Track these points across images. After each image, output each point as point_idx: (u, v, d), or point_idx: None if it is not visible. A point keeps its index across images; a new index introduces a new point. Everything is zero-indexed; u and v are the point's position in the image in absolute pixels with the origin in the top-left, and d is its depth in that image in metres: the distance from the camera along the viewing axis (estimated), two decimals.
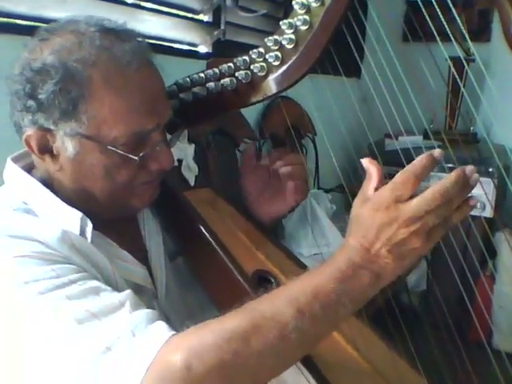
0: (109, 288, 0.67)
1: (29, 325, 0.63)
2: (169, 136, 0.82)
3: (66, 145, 0.72)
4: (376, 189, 0.63)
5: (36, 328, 0.63)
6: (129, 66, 0.71)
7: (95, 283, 0.67)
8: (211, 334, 0.59)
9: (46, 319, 0.62)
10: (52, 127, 0.72)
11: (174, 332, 0.61)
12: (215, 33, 1.96)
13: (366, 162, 0.66)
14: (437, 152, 0.61)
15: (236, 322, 0.60)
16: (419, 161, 0.61)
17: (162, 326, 0.62)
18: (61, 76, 0.69)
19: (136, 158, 0.74)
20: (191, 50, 1.92)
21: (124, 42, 0.72)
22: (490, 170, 2.19)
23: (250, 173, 0.98)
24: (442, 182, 0.60)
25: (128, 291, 0.67)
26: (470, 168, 0.61)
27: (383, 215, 0.61)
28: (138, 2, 1.67)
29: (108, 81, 0.70)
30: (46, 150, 0.74)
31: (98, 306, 0.63)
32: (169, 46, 1.80)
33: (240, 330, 0.59)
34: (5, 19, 1.23)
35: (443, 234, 0.63)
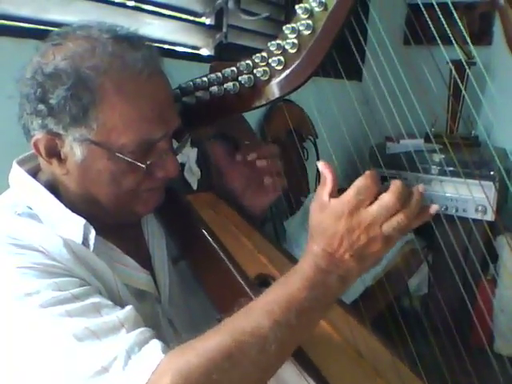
0: (110, 303, 0.68)
1: (28, 337, 0.63)
2: (175, 143, 0.82)
3: (74, 150, 0.73)
4: (330, 194, 0.65)
5: (35, 341, 0.63)
6: (140, 74, 0.72)
7: (97, 299, 0.67)
8: (196, 354, 0.60)
9: (46, 334, 0.63)
10: (61, 132, 0.72)
11: (167, 351, 0.62)
12: (217, 36, 1.95)
13: (321, 166, 0.67)
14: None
15: (218, 340, 0.61)
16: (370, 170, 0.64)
17: (156, 347, 0.63)
18: (73, 82, 0.69)
19: (143, 165, 0.74)
20: (193, 53, 1.92)
21: (136, 50, 0.73)
22: (491, 173, 2.20)
23: (230, 170, 0.99)
24: (394, 187, 0.62)
25: (129, 308, 0.68)
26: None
27: (345, 222, 0.63)
28: (140, 5, 1.68)
29: (119, 88, 0.70)
30: (53, 154, 0.74)
31: (97, 324, 0.63)
32: (171, 49, 1.80)
33: (223, 349, 0.60)
34: (8, 22, 1.23)
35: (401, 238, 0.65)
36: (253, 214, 1.00)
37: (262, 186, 0.98)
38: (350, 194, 0.63)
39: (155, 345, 0.63)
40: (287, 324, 0.63)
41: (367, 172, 0.63)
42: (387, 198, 0.62)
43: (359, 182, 0.63)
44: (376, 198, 0.63)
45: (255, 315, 0.63)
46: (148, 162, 0.75)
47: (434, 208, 0.63)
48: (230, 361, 0.60)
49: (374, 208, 0.62)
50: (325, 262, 0.64)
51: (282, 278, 0.67)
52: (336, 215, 0.63)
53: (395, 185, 0.62)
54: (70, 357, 0.61)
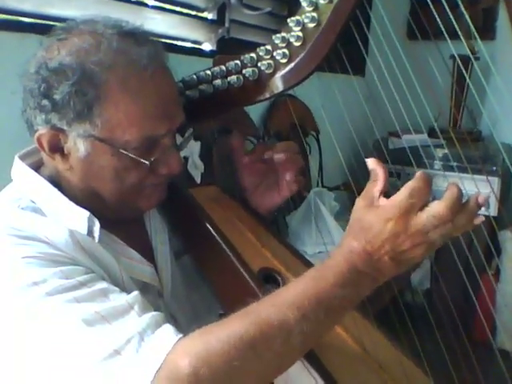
0: (117, 289, 0.68)
1: (37, 325, 0.63)
2: (179, 139, 0.82)
3: (77, 145, 0.72)
4: (382, 192, 0.64)
5: (44, 329, 0.63)
6: (145, 70, 0.71)
7: (103, 284, 0.67)
8: (218, 339, 0.59)
9: (55, 320, 0.62)
10: (65, 127, 0.72)
11: (180, 335, 0.62)
12: (220, 30, 1.95)
13: (372, 162, 0.66)
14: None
15: (242, 327, 0.60)
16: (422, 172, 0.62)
17: (169, 329, 0.63)
18: (77, 77, 0.69)
19: (147, 162, 0.74)
20: (195, 48, 1.92)
21: (141, 46, 0.72)
22: (495, 168, 2.19)
23: (244, 167, 0.97)
24: (449, 197, 0.60)
25: (136, 293, 0.68)
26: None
27: (393, 225, 0.61)
28: (142, 0, 1.67)
29: (124, 84, 0.70)
30: (56, 149, 0.74)
31: (106, 309, 0.63)
32: (173, 44, 1.80)
33: (247, 337, 0.60)
34: (10, 17, 1.23)
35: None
36: (260, 214, 0.98)
37: (275, 184, 0.95)
38: (402, 196, 0.61)
39: (168, 328, 0.63)
40: (314, 319, 0.62)
41: (420, 173, 0.62)
42: (440, 208, 0.60)
43: (412, 184, 0.61)
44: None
45: (283, 307, 0.62)
46: (152, 159, 0.74)
47: (479, 219, 0.62)
48: (253, 350, 0.60)
49: (424, 216, 0.60)
50: (362, 261, 0.63)
51: (314, 271, 0.66)
52: (385, 216, 0.62)
53: (451, 192, 0.61)
54: (80, 342, 0.61)
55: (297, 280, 0.65)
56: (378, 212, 0.63)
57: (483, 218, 0.63)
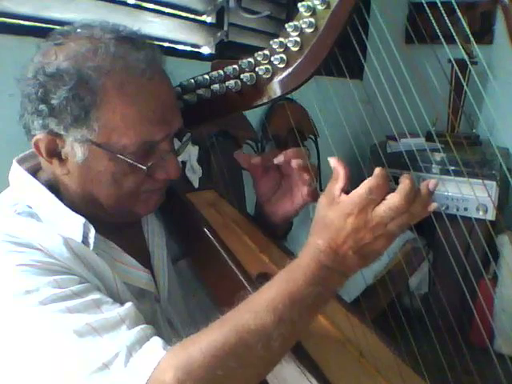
0: (110, 300, 0.68)
1: (28, 334, 0.63)
2: (177, 144, 0.82)
3: (75, 150, 0.72)
4: (342, 189, 0.65)
5: (35, 338, 0.63)
6: (142, 76, 0.71)
7: (97, 295, 0.67)
8: (200, 350, 0.60)
9: (46, 330, 0.63)
10: (62, 132, 0.72)
11: (169, 347, 0.62)
12: (218, 34, 1.95)
13: (333, 161, 0.68)
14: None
15: (222, 336, 0.61)
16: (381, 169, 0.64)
17: (157, 343, 0.63)
18: (75, 82, 0.69)
19: (144, 167, 0.74)
20: (194, 52, 1.92)
21: (139, 51, 0.72)
22: (493, 172, 2.20)
23: (261, 175, 0.96)
24: (403, 188, 0.62)
25: (129, 305, 0.68)
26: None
27: (353, 221, 0.63)
28: (140, 3, 1.67)
29: (121, 89, 0.70)
30: (54, 154, 0.74)
31: (98, 321, 0.63)
32: (171, 48, 1.80)
33: (228, 346, 0.61)
34: (8, 20, 1.23)
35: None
36: (274, 222, 0.97)
37: (288, 192, 0.94)
38: (361, 192, 0.63)
39: (156, 342, 0.63)
40: (290, 321, 0.63)
41: (378, 171, 0.63)
42: (396, 200, 0.62)
43: (370, 182, 0.63)
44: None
45: (260, 312, 0.63)
46: (149, 164, 0.74)
47: (432, 206, 0.64)
48: (235, 358, 0.61)
49: (382, 209, 0.63)
50: (328, 258, 0.65)
51: (284, 273, 0.67)
52: (345, 212, 0.64)
53: (404, 184, 0.63)
54: (71, 353, 0.61)
55: (269, 284, 0.66)
56: (338, 208, 0.65)
57: (436, 205, 0.65)
